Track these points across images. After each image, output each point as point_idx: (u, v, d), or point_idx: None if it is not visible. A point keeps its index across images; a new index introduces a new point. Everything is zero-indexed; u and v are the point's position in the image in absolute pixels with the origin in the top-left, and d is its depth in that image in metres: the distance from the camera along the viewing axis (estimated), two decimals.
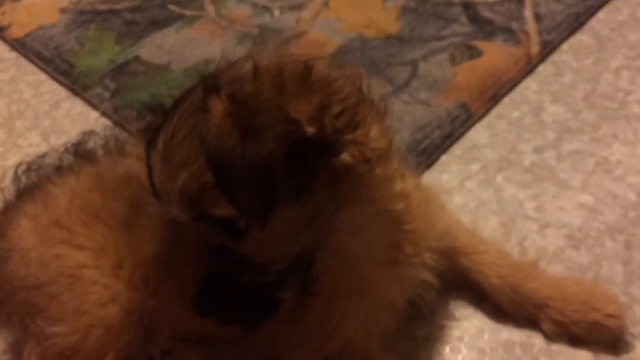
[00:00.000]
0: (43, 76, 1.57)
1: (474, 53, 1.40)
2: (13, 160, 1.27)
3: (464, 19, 1.50)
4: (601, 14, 1.49)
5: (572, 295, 0.91)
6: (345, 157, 0.67)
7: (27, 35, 1.66)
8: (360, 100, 0.70)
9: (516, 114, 1.29)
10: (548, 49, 1.40)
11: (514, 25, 1.45)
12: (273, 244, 0.70)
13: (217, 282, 0.72)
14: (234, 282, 0.71)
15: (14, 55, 1.65)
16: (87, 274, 0.84)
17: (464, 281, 0.98)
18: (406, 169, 0.85)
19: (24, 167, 1.01)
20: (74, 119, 1.43)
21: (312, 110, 0.64)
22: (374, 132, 0.71)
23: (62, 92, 1.51)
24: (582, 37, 1.45)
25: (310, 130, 0.63)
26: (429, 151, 1.22)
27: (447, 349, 0.94)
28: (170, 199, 0.68)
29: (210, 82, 0.68)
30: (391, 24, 1.52)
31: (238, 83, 0.65)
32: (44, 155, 1.02)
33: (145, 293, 0.84)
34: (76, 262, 0.85)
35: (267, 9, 1.62)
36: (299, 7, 1.60)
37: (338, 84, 0.68)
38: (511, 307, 0.94)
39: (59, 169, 0.95)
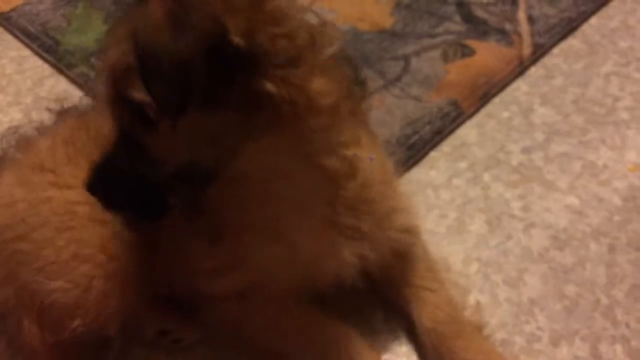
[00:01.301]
0: (27, 52, 1.53)
1: (466, 51, 1.40)
2: None
3: (457, 18, 1.49)
4: (593, 20, 1.49)
5: None
6: (270, 86, 0.65)
7: (13, 10, 1.62)
8: (309, 46, 0.68)
9: (506, 114, 1.29)
10: (540, 51, 1.40)
11: (507, 26, 1.45)
12: (173, 144, 0.69)
13: (111, 165, 0.73)
14: (126, 169, 0.72)
15: None
16: (81, 210, 0.81)
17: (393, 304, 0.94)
18: (371, 140, 0.83)
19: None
20: (57, 97, 1.40)
21: (248, 25, 0.63)
22: (320, 85, 0.70)
23: (46, 69, 1.48)
24: (573, 42, 1.45)
25: (237, 40, 0.62)
26: (418, 146, 1.21)
27: None
28: (101, 72, 0.69)
29: None
30: (385, 18, 1.51)
31: None
32: (22, 126, 0.99)
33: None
34: (67, 199, 0.82)
35: None
36: None
37: (292, 23, 0.67)
38: (430, 351, 0.89)
39: (41, 127, 0.92)
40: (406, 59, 1.39)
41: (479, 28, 1.46)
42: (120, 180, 0.73)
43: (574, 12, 1.49)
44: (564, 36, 1.45)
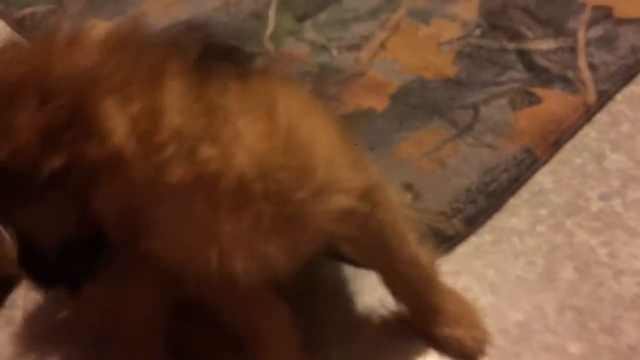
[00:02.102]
0: None
1: (532, 99, 1.44)
2: None
3: (519, 66, 1.54)
4: None
5: None
6: (61, 161, 0.64)
7: None
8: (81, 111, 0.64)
9: (578, 160, 1.32)
10: (604, 97, 1.44)
11: (570, 74, 1.49)
12: (34, 235, 0.75)
13: (24, 250, 0.79)
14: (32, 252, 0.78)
15: None
16: None
17: None
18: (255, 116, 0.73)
19: None
20: None
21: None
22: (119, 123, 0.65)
23: None
24: (634, 88, 1.49)
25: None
26: (498, 193, 1.24)
27: None
28: None
29: None
30: (448, 67, 1.56)
31: None
32: None
33: None
34: None
35: (324, 48, 1.65)
36: (356, 47, 1.64)
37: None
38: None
39: None
40: (475, 107, 1.44)
41: (541, 76, 1.50)
42: (33, 262, 0.80)
43: (632, 60, 1.53)
44: (624, 83, 1.49)
